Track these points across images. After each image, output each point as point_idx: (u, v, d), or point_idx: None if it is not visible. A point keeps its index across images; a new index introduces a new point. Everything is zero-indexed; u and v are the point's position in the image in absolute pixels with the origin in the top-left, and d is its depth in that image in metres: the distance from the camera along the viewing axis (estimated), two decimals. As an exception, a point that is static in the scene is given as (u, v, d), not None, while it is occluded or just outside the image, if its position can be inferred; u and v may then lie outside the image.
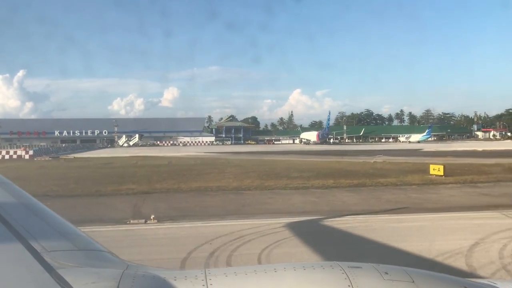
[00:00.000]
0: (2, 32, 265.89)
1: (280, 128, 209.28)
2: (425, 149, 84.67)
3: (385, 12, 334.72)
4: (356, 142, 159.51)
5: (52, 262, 2.45)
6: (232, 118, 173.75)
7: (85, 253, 2.86)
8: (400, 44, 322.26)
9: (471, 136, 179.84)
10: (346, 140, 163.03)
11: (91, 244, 3.11)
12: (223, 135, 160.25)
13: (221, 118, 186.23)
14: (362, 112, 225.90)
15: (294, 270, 2.46)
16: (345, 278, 2.37)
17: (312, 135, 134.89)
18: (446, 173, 28.72)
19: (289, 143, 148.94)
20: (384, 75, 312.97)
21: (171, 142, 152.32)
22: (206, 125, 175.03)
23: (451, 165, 40.03)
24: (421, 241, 12.73)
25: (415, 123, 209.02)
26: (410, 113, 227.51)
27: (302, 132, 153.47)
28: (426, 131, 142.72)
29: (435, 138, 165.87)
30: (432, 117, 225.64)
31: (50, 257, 2.49)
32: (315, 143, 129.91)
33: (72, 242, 2.87)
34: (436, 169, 29.03)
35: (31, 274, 2.34)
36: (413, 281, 2.39)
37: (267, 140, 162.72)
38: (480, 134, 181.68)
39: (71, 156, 70.89)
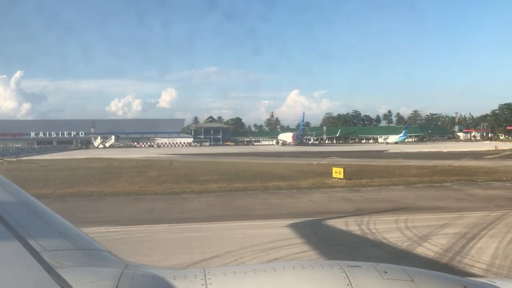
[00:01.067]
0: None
1: (267, 129, 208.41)
2: (392, 151, 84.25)
3: (383, 8, 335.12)
4: (336, 143, 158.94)
5: (51, 261, 2.42)
6: (211, 119, 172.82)
7: (85, 252, 2.83)
8: (399, 47, 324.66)
9: (453, 137, 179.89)
10: (326, 141, 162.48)
11: (90, 243, 3.07)
12: (202, 136, 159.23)
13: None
14: (348, 113, 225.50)
15: (293, 269, 2.44)
16: (344, 277, 2.35)
17: (288, 136, 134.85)
18: (347, 176, 28.12)
19: (268, 144, 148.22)
20: (382, 76, 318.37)
21: (149, 143, 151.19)
22: (192, 126, 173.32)
23: (378, 167, 39.56)
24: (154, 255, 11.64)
25: (401, 124, 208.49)
26: (398, 113, 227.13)
27: (281, 133, 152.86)
28: (403, 132, 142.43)
29: (416, 139, 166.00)
30: (420, 117, 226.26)
31: (50, 257, 2.47)
32: (291, 144, 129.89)
33: (72, 242, 2.85)
34: (338, 172, 28.37)
35: (30, 273, 2.32)
36: (412, 280, 2.38)
37: (246, 141, 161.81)
38: (461, 135, 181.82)
39: (24, 158, 69.81)
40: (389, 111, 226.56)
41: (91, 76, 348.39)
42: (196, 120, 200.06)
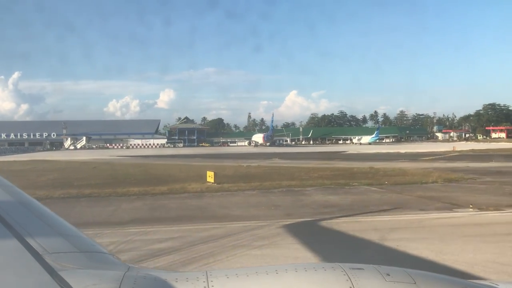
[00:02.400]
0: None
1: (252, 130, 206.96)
2: (349, 152, 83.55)
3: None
4: (313, 143, 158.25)
5: (53, 263, 2.43)
6: (186, 120, 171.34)
7: (86, 255, 2.81)
8: (402, 46, 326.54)
9: (431, 138, 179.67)
10: (303, 142, 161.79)
11: (92, 246, 3.05)
12: (177, 138, 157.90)
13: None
14: (333, 114, 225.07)
15: (296, 271, 2.43)
16: (347, 280, 2.34)
17: (260, 137, 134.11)
18: (219, 181, 27.01)
19: (244, 145, 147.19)
20: (381, 76, 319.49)
21: (122, 144, 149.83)
22: (166, 127, 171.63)
23: (289, 168, 38.43)
24: None
25: (388, 124, 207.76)
26: (384, 114, 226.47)
27: (254, 134, 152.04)
28: (375, 132, 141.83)
29: (393, 140, 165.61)
30: (406, 118, 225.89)
31: (52, 259, 2.47)
32: (263, 145, 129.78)
33: (74, 244, 2.84)
34: (210, 176, 27.21)
35: (32, 275, 2.33)
36: (415, 283, 2.37)
37: (222, 142, 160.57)
38: (440, 135, 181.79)
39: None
40: (375, 112, 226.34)
41: (89, 77, 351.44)
42: (189, 120, 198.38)
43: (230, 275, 2.45)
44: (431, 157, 57.68)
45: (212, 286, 2.33)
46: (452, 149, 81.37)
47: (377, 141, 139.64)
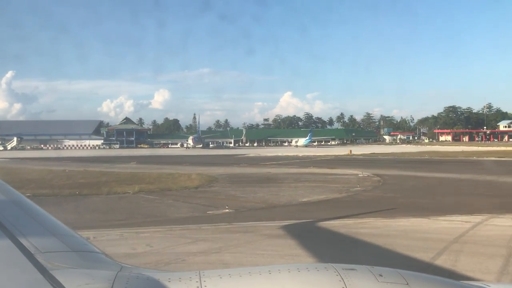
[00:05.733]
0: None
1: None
2: (251, 155, 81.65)
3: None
4: (258, 145, 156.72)
5: (45, 263, 2.42)
6: (126, 121, 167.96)
7: (79, 254, 2.79)
8: (394, 49, 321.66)
9: (378, 140, 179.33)
10: (246, 144, 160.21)
11: (85, 245, 3.03)
12: (114, 138, 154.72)
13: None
14: (294, 115, 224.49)
15: (289, 272, 2.43)
16: (340, 280, 2.34)
17: (190, 139, 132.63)
18: None
19: (177, 147, 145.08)
20: (375, 78, 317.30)
21: (56, 145, 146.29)
22: (104, 128, 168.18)
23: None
24: None
25: (354, 126, 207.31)
26: (351, 116, 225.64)
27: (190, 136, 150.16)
28: (308, 135, 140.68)
29: (338, 142, 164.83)
30: (373, 120, 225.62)
31: (44, 258, 2.46)
32: (192, 147, 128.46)
33: (66, 243, 2.81)
34: None
35: (24, 275, 2.33)
36: (407, 284, 2.37)
37: (162, 143, 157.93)
38: (387, 138, 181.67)
39: None
40: (342, 113, 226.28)
41: (83, 77, 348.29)
42: (129, 121, 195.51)
43: (223, 275, 2.45)
44: (279, 162, 55.49)
45: (205, 286, 2.32)
46: (349, 152, 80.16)
47: (311, 143, 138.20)
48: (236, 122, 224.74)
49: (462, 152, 76.65)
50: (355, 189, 25.49)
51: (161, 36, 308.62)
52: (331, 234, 14.20)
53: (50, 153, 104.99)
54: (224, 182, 29.49)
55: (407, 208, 19.33)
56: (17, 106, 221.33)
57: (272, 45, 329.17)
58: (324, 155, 72.04)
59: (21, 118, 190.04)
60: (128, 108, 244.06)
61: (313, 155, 72.19)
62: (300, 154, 76.77)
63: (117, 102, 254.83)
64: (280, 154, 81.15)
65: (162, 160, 64.72)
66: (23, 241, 2.57)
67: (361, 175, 33.49)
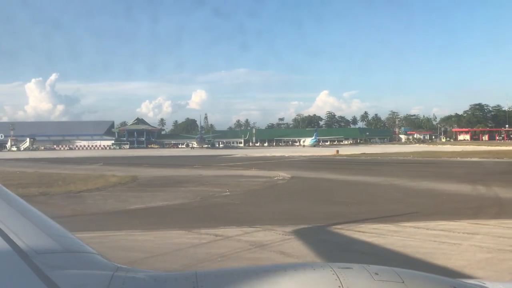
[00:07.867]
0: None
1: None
2: (238, 155, 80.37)
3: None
4: (267, 146, 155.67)
5: (41, 264, 2.40)
6: (138, 121, 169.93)
7: (75, 255, 2.75)
8: (441, 47, 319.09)
9: (394, 139, 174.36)
10: (256, 144, 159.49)
11: (81, 246, 2.96)
12: (125, 139, 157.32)
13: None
14: (314, 115, 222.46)
15: (285, 271, 2.44)
16: (336, 279, 2.35)
17: (195, 140, 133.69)
18: None
19: (183, 148, 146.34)
20: (416, 77, 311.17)
21: (69, 146, 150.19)
22: (116, 128, 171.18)
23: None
24: None
25: (375, 125, 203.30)
26: (376, 115, 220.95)
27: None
28: (314, 135, 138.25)
29: (351, 142, 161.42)
30: (398, 118, 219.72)
31: (39, 260, 2.44)
32: (199, 147, 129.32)
33: (61, 244, 2.78)
34: None
35: (19, 276, 2.31)
36: (403, 282, 2.39)
37: (173, 143, 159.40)
38: (403, 137, 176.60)
39: None
40: (366, 112, 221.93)
41: (123, 79, 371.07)
42: (140, 121, 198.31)
43: (219, 275, 2.49)
44: (244, 163, 53.91)
45: (202, 286, 2.33)
46: (335, 152, 77.96)
47: (317, 143, 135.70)
48: (266, 122, 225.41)
49: (460, 152, 73.01)
50: (223, 194, 23.41)
51: (201, 39, 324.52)
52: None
53: (58, 153, 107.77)
54: (132, 185, 28.31)
55: (209, 218, 17.10)
56: (60, 107, 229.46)
57: (310, 43, 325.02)
58: (308, 156, 70.36)
59: (64, 119, 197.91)
60: (166, 108, 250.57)
61: (295, 156, 70.84)
62: (295, 154, 75.07)
63: (155, 103, 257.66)
64: (268, 154, 79.56)
65: (143, 161, 64.49)
66: (18, 242, 2.54)
67: (277, 178, 31.98)
